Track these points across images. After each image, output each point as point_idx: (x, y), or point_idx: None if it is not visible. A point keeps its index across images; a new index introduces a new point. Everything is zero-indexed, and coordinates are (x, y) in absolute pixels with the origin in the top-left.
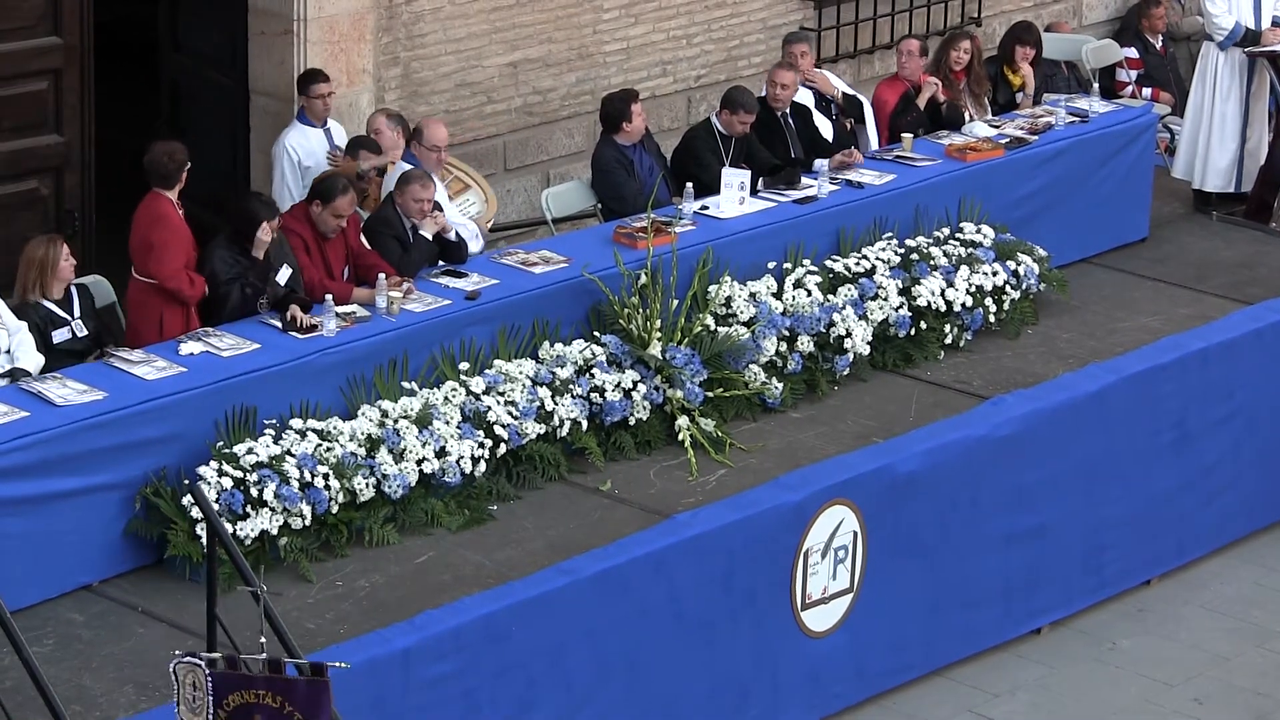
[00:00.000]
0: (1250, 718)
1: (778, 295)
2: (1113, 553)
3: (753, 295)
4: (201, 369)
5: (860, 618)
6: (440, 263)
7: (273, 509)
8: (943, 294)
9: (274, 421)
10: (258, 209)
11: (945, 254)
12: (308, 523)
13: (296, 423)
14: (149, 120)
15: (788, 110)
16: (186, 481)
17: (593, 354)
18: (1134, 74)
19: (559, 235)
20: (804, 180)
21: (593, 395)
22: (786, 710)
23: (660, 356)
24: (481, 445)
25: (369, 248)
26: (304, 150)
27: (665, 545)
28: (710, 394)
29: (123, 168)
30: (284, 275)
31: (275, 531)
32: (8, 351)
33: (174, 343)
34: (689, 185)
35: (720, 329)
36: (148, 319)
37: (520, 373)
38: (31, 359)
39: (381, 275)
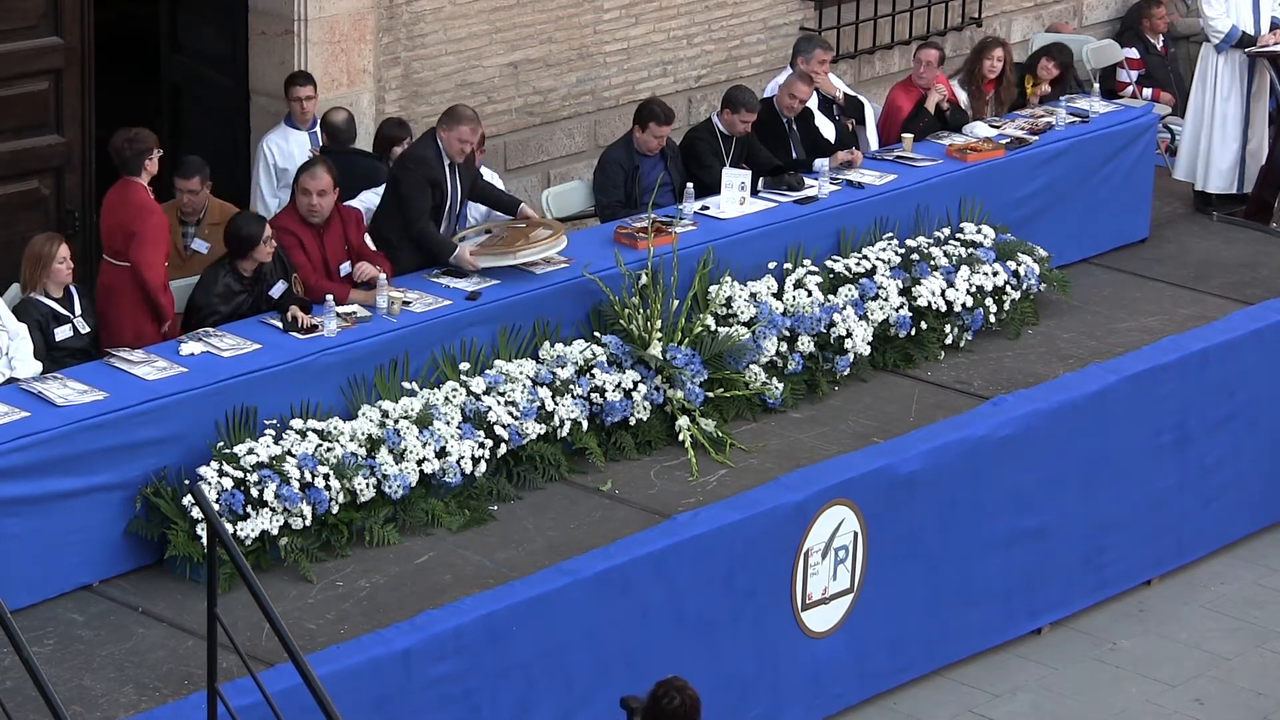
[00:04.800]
0: (1251, 718)
1: (778, 295)
2: (1113, 553)
3: (753, 295)
4: (202, 369)
5: (861, 618)
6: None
7: (273, 509)
8: (943, 294)
9: (274, 422)
10: (252, 230)
11: (946, 254)
12: (308, 523)
13: (297, 423)
14: (149, 120)
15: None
16: (187, 482)
17: (593, 354)
18: (1135, 74)
19: None
20: (805, 181)
21: (593, 395)
22: (787, 710)
23: (661, 357)
24: (482, 445)
25: (373, 248)
26: (281, 152)
27: (666, 545)
28: (711, 394)
29: None
30: (278, 290)
31: (275, 532)
32: (6, 355)
33: (174, 343)
34: (689, 185)
35: (721, 329)
36: (119, 304)
37: (521, 373)
38: (28, 367)
39: (382, 276)
